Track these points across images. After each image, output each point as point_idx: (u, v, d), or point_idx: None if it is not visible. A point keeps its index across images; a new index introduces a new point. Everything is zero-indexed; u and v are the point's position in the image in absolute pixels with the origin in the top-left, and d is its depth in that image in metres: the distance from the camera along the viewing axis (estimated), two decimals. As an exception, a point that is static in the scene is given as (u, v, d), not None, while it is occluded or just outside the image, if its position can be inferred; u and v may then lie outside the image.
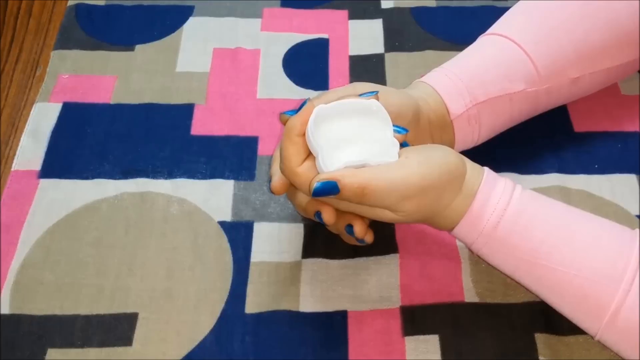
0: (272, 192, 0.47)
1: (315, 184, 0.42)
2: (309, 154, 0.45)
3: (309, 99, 0.45)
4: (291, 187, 0.47)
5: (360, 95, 0.46)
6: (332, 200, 0.45)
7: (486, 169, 0.48)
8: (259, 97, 0.64)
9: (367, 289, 0.52)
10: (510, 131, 0.57)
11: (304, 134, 0.44)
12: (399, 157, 0.44)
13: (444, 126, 0.52)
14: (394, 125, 0.45)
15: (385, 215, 0.45)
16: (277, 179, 0.47)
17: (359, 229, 0.46)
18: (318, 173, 0.43)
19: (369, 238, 0.47)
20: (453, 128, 0.52)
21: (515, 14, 0.58)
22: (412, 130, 0.48)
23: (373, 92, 0.46)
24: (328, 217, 0.46)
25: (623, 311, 0.43)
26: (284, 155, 0.45)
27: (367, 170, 0.43)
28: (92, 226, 0.55)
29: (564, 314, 0.47)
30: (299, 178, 0.44)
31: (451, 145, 0.53)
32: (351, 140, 0.45)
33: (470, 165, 0.47)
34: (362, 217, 0.47)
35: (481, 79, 0.53)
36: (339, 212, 0.46)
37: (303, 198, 0.47)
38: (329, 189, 0.42)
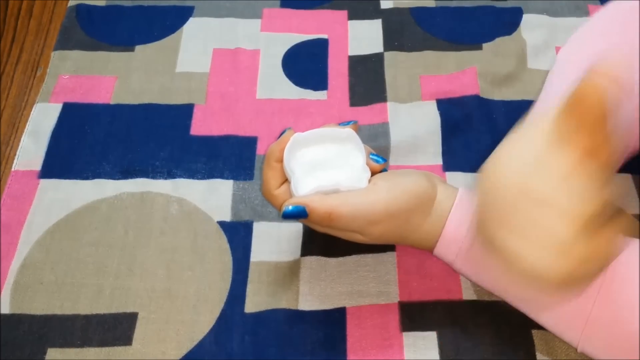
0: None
1: (285, 208, 0.45)
2: (287, 179, 0.48)
3: (289, 128, 0.48)
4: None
5: (339, 124, 0.48)
6: (306, 222, 0.47)
7: (461, 189, 0.47)
8: (259, 97, 0.64)
9: (366, 285, 0.52)
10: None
11: (281, 160, 0.47)
12: (369, 183, 0.47)
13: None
14: (372, 154, 0.48)
15: (355, 238, 0.47)
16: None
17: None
18: (292, 196, 0.46)
19: None
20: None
21: None
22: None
23: (351, 121, 0.49)
24: None
25: (591, 321, 0.42)
26: (263, 179, 0.48)
27: (334, 196, 0.45)
28: (92, 226, 0.55)
29: (548, 328, 0.46)
30: (276, 200, 0.47)
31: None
32: (324, 166, 0.47)
33: (443, 188, 0.48)
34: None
35: None
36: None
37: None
38: (298, 213, 0.45)
